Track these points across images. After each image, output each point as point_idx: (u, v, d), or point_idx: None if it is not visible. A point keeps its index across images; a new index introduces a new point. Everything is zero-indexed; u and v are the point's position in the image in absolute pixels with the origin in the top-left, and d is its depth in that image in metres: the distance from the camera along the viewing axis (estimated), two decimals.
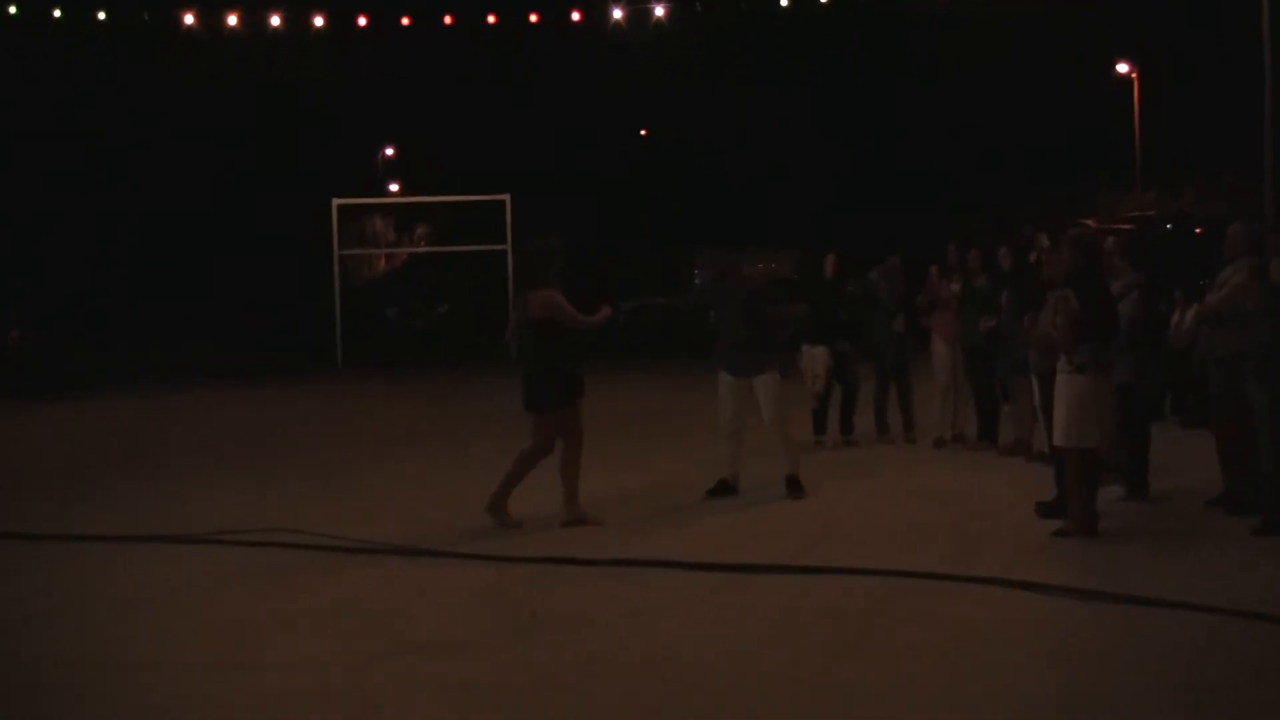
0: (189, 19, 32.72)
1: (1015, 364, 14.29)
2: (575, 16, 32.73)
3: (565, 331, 11.52)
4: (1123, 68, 46.48)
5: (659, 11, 32.29)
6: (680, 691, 6.93)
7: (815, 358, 15.72)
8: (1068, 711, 6.48)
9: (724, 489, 12.74)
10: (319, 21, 33.35)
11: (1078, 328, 10.31)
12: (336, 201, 34.64)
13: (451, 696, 6.94)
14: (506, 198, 34.11)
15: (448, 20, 33.53)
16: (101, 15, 33.26)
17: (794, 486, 12.61)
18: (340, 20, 33.61)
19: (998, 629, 7.90)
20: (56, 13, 32.94)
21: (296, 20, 33.37)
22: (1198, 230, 29.02)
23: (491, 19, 33.68)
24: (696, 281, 44.39)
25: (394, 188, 55.63)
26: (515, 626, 8.29)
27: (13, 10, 32.42)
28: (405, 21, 34.07)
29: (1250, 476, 10.73)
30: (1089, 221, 29.13)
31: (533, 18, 33.38)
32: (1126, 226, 28.53)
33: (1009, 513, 11.47)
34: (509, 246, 33.81)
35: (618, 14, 32.25)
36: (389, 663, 7.54)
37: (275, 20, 33.16)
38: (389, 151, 58.38)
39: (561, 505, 11.45)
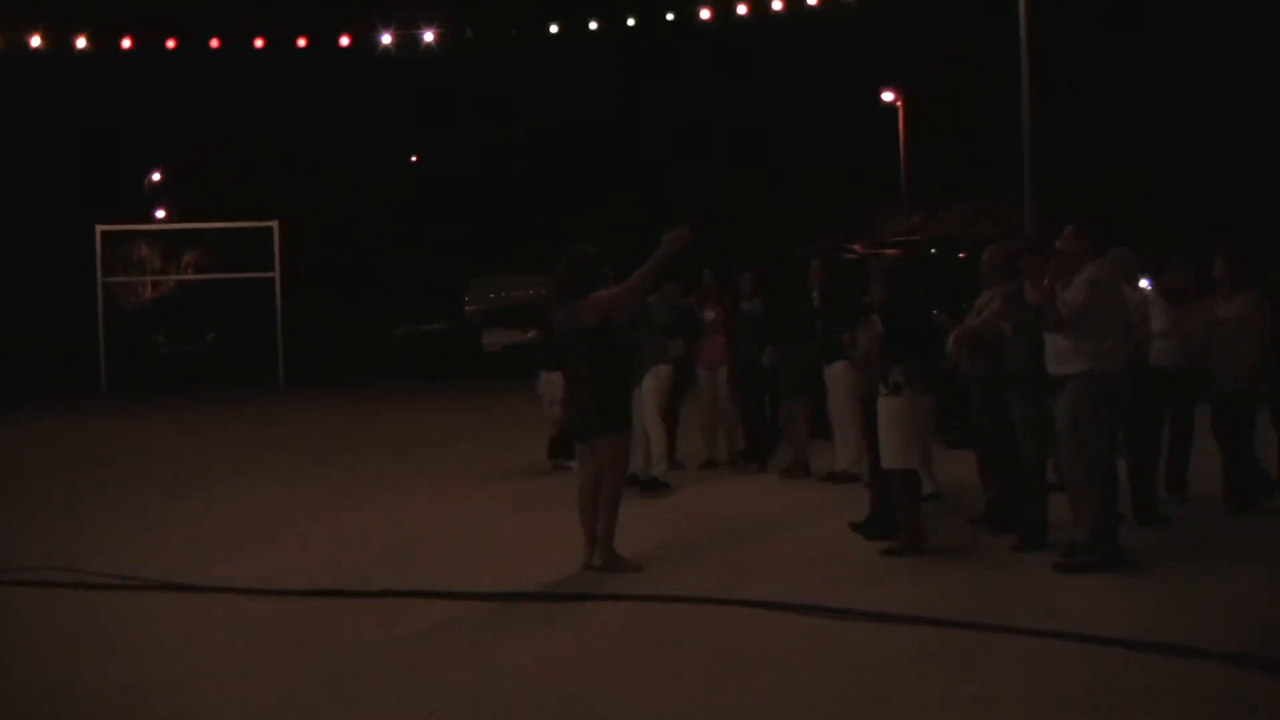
0: None
1: (790, 387, 14.52)
2: (344, 40, 32.43)
3: (618, 343, 10.50)
4: (888, 96, 47.59)
5: (428, 36, 32.14)
6: (445, 716, 6.88)
7: (553, 383, 15.68)
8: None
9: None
10: (81, 44, 32.53)
11: (883, 351, 10.52)
12: (100, 228, 33.77)
13: None
14: (274, 224, 33.53)
15: (214, 43, 32.97)
16: None
17: None
18: (104, 41, 32.81)
19: (768, 649, 7.99)
20: None
21: (59, 40, 32.52)
22: (961, 255, 29.66)
23: (259, 43, 33.21)
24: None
25: (160, 214, 54.62)
26: (278, 659, 8.13)
27: None
28: (171, 44, 33.40)
29: (1010, 495, 10.98)
30: (855, 246, 29.65)
31: (301, 42, 33.03)
32: (892, 251, 29.05)
33: (778, 534, 11.63)
34: (277, 274, 33.27)
35: (386, 38, 32.02)
36: (149, 697, 7.35)
37: (36, 41, 32.28)
38: (155, 177, 57.38)
39: (596, 547, 10.35)
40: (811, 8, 30.31)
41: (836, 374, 13.82)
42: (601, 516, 10.29)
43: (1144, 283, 12.74)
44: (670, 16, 32.01)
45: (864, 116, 47.60)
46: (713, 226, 36.12)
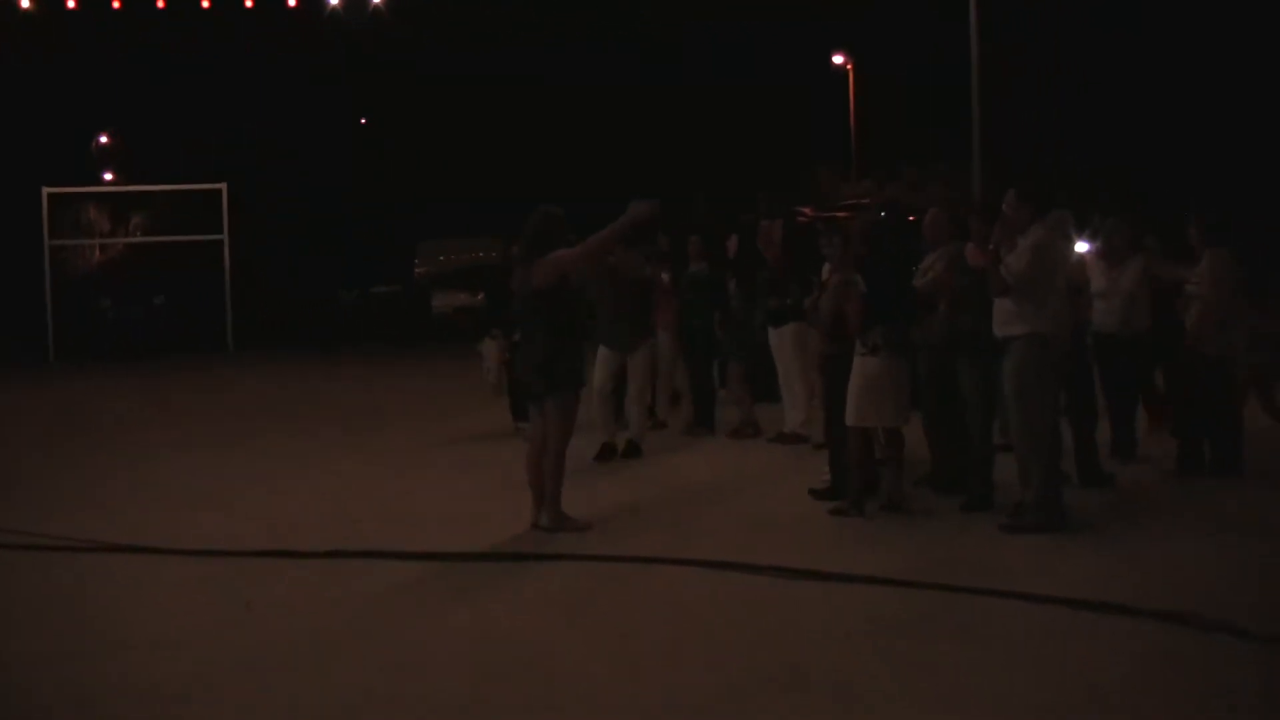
0: None
1: (740, 349, 14.56)
2: (290, 1, 32.14)
3: (573, 303, 10.58)
4: (838, 59, 47.47)
5: None
6: (393, 676, 6.91)
7: (491, 350, 15.80)
8: (794, 684, 6.63)
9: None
10: (25, 2, 32.06)
11: (864, 311, 10.54)
12: (47, 190, 33.41)
13: (160, 693, 6.79)
14: (223, 187, 33.26)
15: (160, 4, 32.58)
16: None
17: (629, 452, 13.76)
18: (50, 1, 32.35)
19: (719, 610, 8.04)
20: None
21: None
22: (910, 218, 29.69)
23: (206, 3, 32.85)
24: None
25: (108, 176, 54.10)
26: (227, 619, 8.14)
27: None
28: (116, 4, 32.98)
29: (957, 456, 11.04)
30: (805, 209, 29.66)
31: (248, 2, 32.68)
32: (842, 214, 29.10)
33: (729, 496, 11.71)
34: (225, 236, 33.02)
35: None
36: (98, 662, 7.32)
37: None
38: (103, 139, 56.82)
39: (542, 508, 10.45)
40: None
41: (786, 336, 13.86)
42: (547, 477, 10.33)
43: (1082, 245, 12.77)
44: None
45: (815, 80, 47.51)
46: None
